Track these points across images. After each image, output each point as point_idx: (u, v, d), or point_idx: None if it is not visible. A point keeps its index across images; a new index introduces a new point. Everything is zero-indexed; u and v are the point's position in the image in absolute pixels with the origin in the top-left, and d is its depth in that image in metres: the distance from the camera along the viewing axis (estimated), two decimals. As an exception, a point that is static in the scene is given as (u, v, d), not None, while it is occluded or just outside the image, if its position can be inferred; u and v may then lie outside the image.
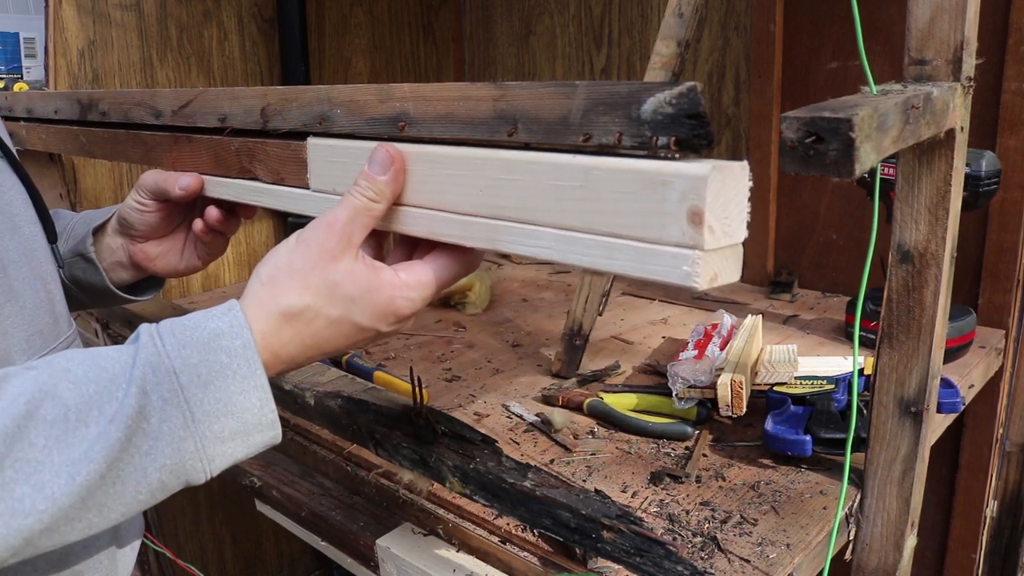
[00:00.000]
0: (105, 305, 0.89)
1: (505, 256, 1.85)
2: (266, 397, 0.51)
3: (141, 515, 0.78)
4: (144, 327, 0.51)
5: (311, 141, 0.65)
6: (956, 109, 0.64)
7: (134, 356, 0.49)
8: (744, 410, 0.91)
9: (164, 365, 0.49)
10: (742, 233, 0.43)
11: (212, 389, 0.49)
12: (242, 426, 0.51)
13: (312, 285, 0.53)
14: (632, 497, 0.82)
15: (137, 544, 0.75)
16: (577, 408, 1.02)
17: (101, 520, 0.49)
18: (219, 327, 0.51)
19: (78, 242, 0.83)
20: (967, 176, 0.99)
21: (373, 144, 0.58)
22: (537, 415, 1.00)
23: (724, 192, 0.41)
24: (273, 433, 0.53)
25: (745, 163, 0.43)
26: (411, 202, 0.56)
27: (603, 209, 0.45)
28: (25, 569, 0.60)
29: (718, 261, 0.42)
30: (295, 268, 0.54)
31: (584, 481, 0.85)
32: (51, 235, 0.71)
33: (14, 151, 0.69)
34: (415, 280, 0.55)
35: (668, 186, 0.42)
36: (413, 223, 0.56)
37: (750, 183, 0.43)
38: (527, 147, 0.49)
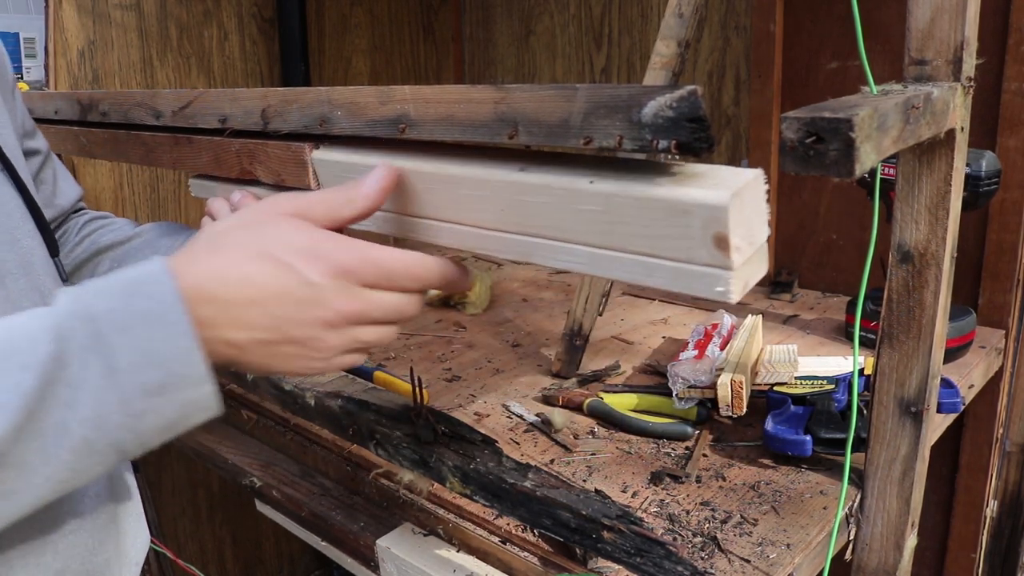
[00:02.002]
0: None
1: (505, 256, 1.85)
2: (192, 345, 0.46)
3: (147, 532, 0.77)
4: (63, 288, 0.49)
5: (316, 156, 0.65)
6: (956, 109, 0.64)
7: (52, 308, 0.47)
8: (744, 410, 0.91)
9: (81, 312, 0.46)
10: (765, 233, 0.44)
11: (133, 335, 0.46)
12: (168, 377, 0.46)
13: (251, 246, 0.50)
14: (632, 497, 0.82)
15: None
16: (577, 408, 1.02)
17: (23, 484, 0.45)
18: (139, 274, 0.48)
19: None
20: (967, 176, 0.99)
21: (374, 160, 0.58)
22: (537, 415, 1.00)
23: (745, 211, 0.42)
24: (206, 389, 0.47)
25: (760, 172, 0.43)
26: (439, 216, 0.56)
27: (630, 232, 0.45)
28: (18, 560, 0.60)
29: (747, 270, 0.43)
30: (238, 241, 0.50)
31: (584, 481, 0.85)
32: (52, 248, 0.71)
33: (14, 163, 0.69)
34: (350, 239, 0.51)
35: (689, 215, 0.42)
36: (446, 237, 0.56)
37: (767, 186, 0.43)
38: (543, 163, 0.49)
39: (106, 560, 0.67)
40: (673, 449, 0.92)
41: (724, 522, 0.77)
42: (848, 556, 0.81)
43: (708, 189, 0.41)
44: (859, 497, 0.78)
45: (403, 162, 0.58)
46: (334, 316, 0.50)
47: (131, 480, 0.77)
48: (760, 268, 0.44)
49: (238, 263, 0.49)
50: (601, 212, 0.45)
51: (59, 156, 0.86)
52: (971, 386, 1.11)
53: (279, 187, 0.71)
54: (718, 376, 0.92)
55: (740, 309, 1.37)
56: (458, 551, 0.81)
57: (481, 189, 0.52)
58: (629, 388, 1.06)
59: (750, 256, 0.43)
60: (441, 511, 0.82)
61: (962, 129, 0.66)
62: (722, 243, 0.41)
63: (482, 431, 0.75)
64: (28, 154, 0.75)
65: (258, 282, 0.48)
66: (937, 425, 1.00)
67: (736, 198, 0.40)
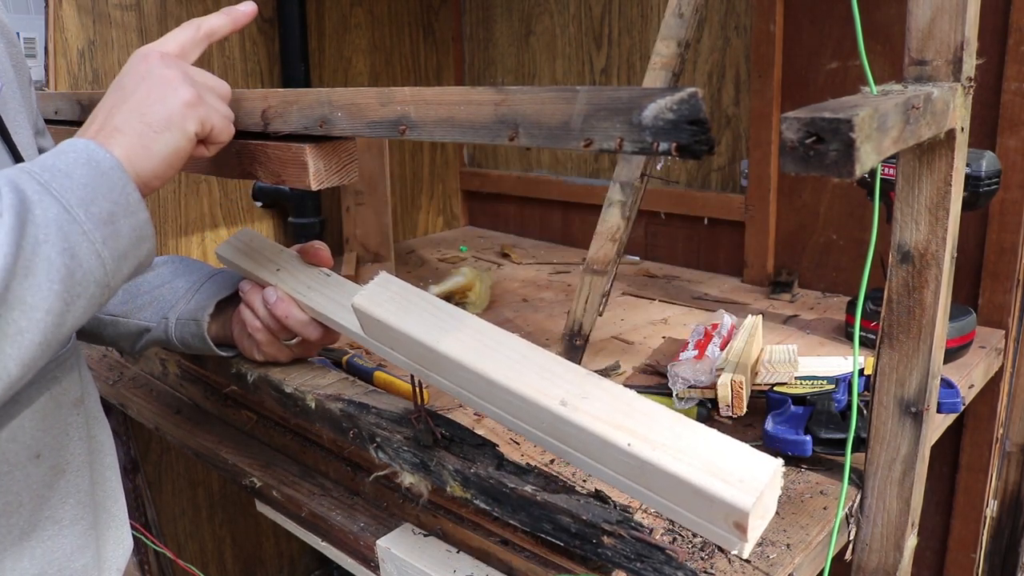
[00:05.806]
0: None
1: (505, 255, 1.85)
2: (124, 178, 0.57)
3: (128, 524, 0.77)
4: None
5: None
6: (956, 109, 0.64)
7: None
8: (744, 410, 0.91)
9: (24, 173, 0.53)
10: (776, 502, 0.47)
11: (74, 179, 0.54)
12: (113, 207, 0.55)
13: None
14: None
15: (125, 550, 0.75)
16: (577, 408, 1.02)
17: (27, 321, 0.50)
18: (60, 146, 0.57)
19: (198, 308, 0.86)
20: (967, 176, 0.99)
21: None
22: (537, 415, 1.00)
23: (764, 501, 0.45)
24: (143, 217, 0.58)
25: (779, 464, 0.47)
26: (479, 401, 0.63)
27: (659, 487, 0.49)
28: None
29: (760, 525, 0.46)
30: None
31: (584, 480, 0.85)
32: None
33: None
34: None
35: (714, 503, 0.45)
36: (486, 413, 0.65)
37: (783, 471, 0.46)
38: (583, 396, 0.56)
39: (84, 566, 0.67)
40: (673, 449, 0.91)
41: (724, 522, 0.77)
42: (848, 556, 0.81)
43: (734, 486, 0.44)
44: (859, 497, 0.78)
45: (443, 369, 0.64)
46: (160, 61, 0.69)
47: (117, 486, 0.76)
48: (771, 513, 0.48)
49: (121, 88, 0.65)
50: (635, 467, 0.50)
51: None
52: (971, 386, 1.11)
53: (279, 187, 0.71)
54: (718, 376, 0.92)
55: (740, 309, 1.37)
56: (458, 552, 0.81)
57: (523, 406, 0.58)
58: (629, 388, 1.06)
59: (763, 523, 0.47)
60: (441, 512, 0.82)
61: (962, 129, 0.66)
62: (740, 529, 0.45)
63: (482, 431, 0.75)
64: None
65: (123, 83, 0.66)
66: (937, 425, 1.01)
67: (759, 502, 0.44)
